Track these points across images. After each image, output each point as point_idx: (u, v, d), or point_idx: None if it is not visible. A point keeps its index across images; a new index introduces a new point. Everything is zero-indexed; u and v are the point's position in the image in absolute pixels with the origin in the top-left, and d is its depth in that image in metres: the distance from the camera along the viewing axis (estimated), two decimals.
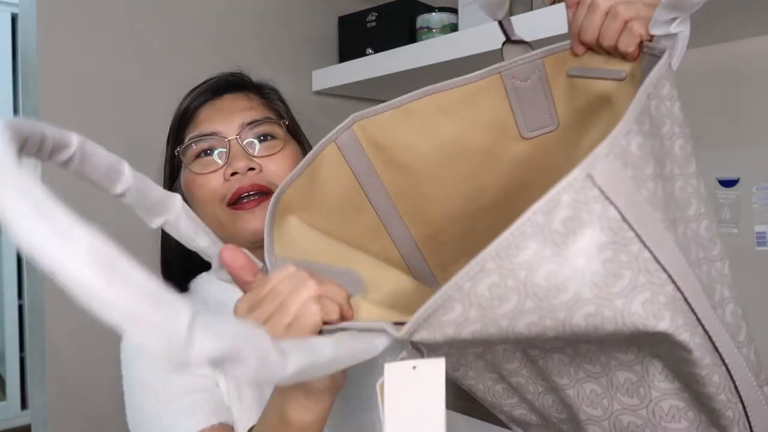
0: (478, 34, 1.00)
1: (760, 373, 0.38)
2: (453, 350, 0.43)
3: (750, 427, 0.37)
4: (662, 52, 0.39)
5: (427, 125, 0.54)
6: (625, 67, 0.45)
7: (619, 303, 0.29)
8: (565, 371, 0.41)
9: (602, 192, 0.29)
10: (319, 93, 1.31)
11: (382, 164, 0.56)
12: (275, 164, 0.67)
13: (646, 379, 0.37)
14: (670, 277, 0.31)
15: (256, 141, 0.68)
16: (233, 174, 0.65)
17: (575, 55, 0.49)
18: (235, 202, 0.65)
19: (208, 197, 0.66)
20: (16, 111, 2.52)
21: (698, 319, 0.33)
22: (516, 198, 0.58)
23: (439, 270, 0.62)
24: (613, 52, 0.46)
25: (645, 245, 0.30)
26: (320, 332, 0.39)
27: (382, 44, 1.18)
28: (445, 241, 0.60)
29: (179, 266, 0.74)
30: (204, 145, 0.67)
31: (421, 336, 0.31)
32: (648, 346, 0.36)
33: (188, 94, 0.72)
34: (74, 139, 0.34)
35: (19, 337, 2.48)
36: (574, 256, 0.29)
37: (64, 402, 0.94)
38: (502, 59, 0.53)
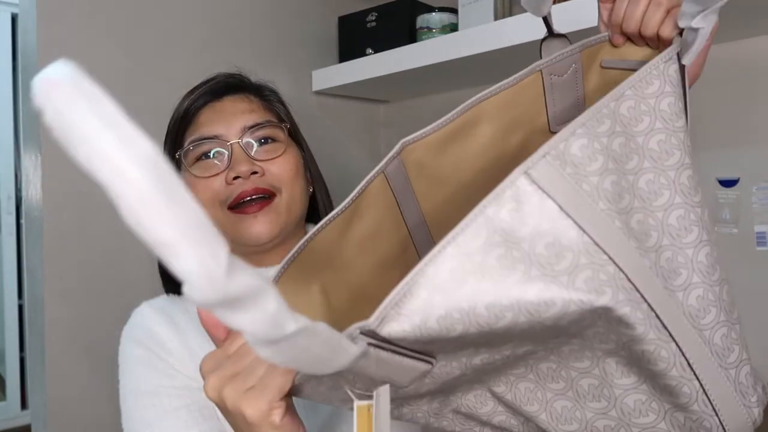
0: (478, 34, 1.00)
1: (728, 356, 0.39)
2: (429, 398, 0.43)
3: (711, 403, 0.39)
4: (676, 47, 0.41)
5: (471, 135, 0.53)
6: None
7: (564, 279, 0.33)
8: (533, 397, 0.42)
9: (540, 187, 0.33)
10: (319, 93, 1.31)
11: (418, 180, 0.55)
12: (277, 167, 0.67)
13: (606, 379, 0.40)
14: (610, 258, 0.34)
15: (257, 144, 0.68)
16: (235, 178, 0.64)
17: (614, 46, 0.50)
18: (237, 205, 0.65)
19: (209, 201, 0.65)
20: (16, 111, 2.52)
21: (642, 297, 0.36)
22: None
23: None
24: (652, 42, 0.47)
25: (584, 231, 0.34)
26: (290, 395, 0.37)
27: (382, 44, 1.18)
28: None
29: None
30: (205, 148, 0.67)
31: (391, 328, 0.31)
32: (597, 341, 0.38)
33: (187, 96, 0.71)
34: None
35: (19, 337, 2.49)
36: (521, 241, 0.33)
37: (64, 402, 0.94)
38: (540, 54, 0.53)
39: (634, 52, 0.49)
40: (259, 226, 0.64)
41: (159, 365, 0.65)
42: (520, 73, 0.51)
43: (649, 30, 0.45)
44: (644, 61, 0.47)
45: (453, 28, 1.12)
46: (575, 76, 0.52)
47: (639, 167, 0.38)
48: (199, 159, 0.67)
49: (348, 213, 0.52)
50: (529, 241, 0.33)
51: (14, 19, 2.47)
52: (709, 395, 0.38)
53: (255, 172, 0.65)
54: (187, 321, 0.68)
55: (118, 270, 0.99)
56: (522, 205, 0.33)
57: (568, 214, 0.33)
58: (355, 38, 1.27)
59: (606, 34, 0.50)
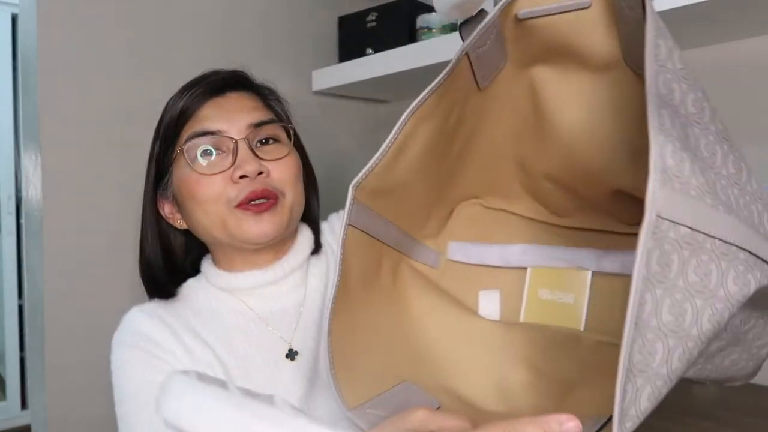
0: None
1: (765, 224, 0.41)
2: None
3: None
4: None
5: (414, 141, 0.52)
6: None
7: (721, 293, 0.34)
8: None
9: (671, 221, 0.33)
10: (319, 93, 1.31)
11: (376, 202, 0.54)
12: (280, 171, 0.66)
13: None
14: (739, 247, 0.36)
15: (260, 143, 0.67)
16: (242, 177, 0.64)
17: None
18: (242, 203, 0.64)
19: (214, 197, 0.64)
20: (16, 111, 2.52)
21: (763, 260, 0.37)
22: (468, 143, 0.59)
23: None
24: None
25: (713, 237, 0.34)
26: None
27: (382, 44, 1.18)
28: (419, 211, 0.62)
29: (164, 269, 0.72)
30: (208, 142, 0.65)
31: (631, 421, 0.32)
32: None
33: (185, 91, 0.68)
34: None
35: (19, 337, 2.49)
36: (674, 281, 0.33)
37: (64, 402, 0.94)
38: (462, 38, 0.53)
39: None
40: (264, 225, 0.64)
41: (157, 364, 0.63)
42: (449, 66, 0.49)
43: None
44: (567, 4, 0.47)
45: (453, 28, 1.12)
46: (497, 39, 0.51)
47: (695, 136, 0.38)
48: (201, 155, 0.65)
49: (343, 279, 0.51)
50: (681, 279, 0.33)
51: (14, 19, 2.47)
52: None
53: (261, 172, 0.64)
54: (180, 324, 0.67)
55: (118, 270, 0.98)
56: (663, 246, 0.32)
57: (698, 231, 0.34)
58: (355, 38, 1.27)
59: None
